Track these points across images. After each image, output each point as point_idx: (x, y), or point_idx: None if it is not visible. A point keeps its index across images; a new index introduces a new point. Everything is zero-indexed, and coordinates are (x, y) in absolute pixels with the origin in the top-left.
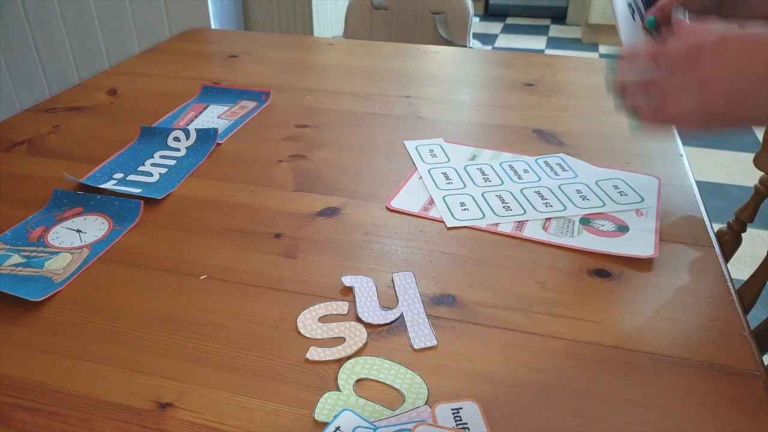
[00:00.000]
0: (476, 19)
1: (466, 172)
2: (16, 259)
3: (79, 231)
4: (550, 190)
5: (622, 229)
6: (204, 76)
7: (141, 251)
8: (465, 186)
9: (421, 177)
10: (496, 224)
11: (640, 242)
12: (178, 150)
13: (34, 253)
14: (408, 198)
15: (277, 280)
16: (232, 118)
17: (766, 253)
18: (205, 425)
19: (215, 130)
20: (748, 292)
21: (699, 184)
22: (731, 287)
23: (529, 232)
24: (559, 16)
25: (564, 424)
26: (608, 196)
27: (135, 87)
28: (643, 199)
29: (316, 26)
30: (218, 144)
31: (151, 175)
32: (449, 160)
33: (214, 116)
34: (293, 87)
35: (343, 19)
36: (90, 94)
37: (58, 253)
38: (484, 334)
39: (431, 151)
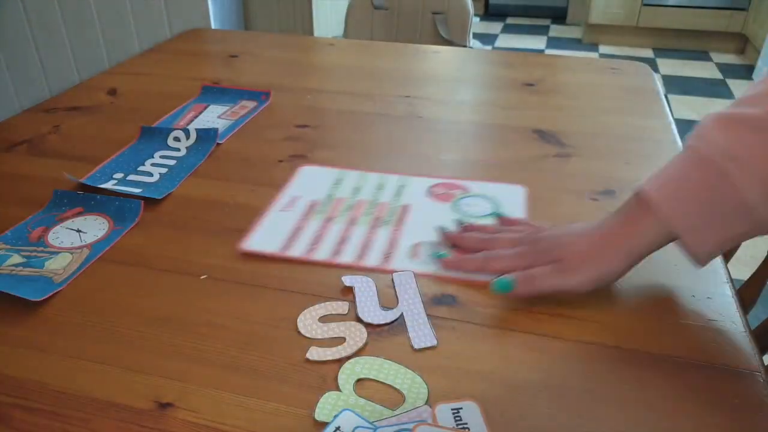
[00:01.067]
0: (476, 19)
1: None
2: (16, 259)
3: (79, 231)
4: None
5: None
6: (204, 76)
7: (141, 251)
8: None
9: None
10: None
11: None
12: (178, 150)
13: (34, 253)
14: (266, 236)
15: (277, 280)
16: (232, 118)
17: (766, 253)
18: (205, 425)
19: (215, 130)
20: (748, 292)
21: None
22: (731, 287)
23: (396, 263)
24: (559, 16)
25: (564, 424)
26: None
27: (135, 87)
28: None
29: (316, 26)
30: (218, 144)
31: (151, 174)
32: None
33: (214, 116)
34: (293, 87)
35: (343, 19)
36: (90, 94)
37: (58, 253)
38: (484, 334)
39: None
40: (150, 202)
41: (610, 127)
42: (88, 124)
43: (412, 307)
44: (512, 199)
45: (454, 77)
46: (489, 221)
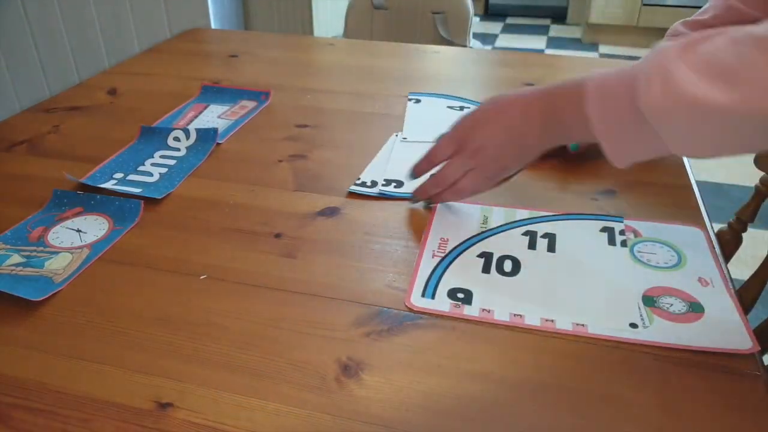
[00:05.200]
0: (476, 19)
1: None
2: (16, 258)
3: (79, 231)
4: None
5: (696, 308)
6: (204, 76)
7: (141, 251)
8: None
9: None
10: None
11: (725, 327)
12: (178, 150)
13: (34, 253)
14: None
15: (277, 280)
16: (232, 118)
17: (766, 253)
18: (205, 425)
19: (215, 130)
20: (748, 292)
21: (699, 184)
22: (731, 287)
23: (593, 328)
24: (559, 16)
25: (564, 424)
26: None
27: (135, 87)
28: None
29: (316, 26)
30: (218, 144)
31: (151, 174)
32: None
33: (214, 116)
34: (293, 87)
35: (343, 19)
36: (90, 94)
37: (58, 252)
38: (484, 334)
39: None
40: (150, 202)
41: None
42: (88, 124)
43: None
44: (694, 242)
45: (454, 77)
46: None
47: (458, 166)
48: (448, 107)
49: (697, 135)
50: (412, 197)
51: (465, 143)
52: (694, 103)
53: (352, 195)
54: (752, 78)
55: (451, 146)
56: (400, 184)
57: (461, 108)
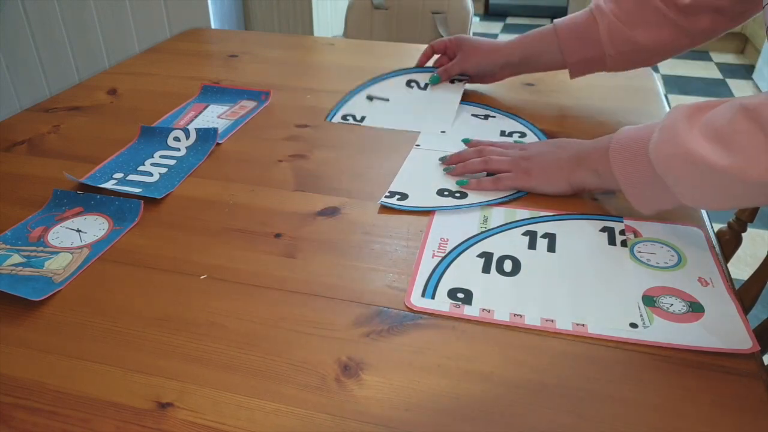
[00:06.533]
0: (476, 19)
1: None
2: (16, 258)
3: (79, 231)
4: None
5: (696, 308)
6: (204, 76)
7: (141, 251)
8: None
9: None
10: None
11: (725, 327)
12: (178, 150)
13: (34, 253)
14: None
15: (277, 280)
16: (232, 118)
17: (766, 253)
18: (205, 425)
19: (215, 130)
20: (748, 292)
21: None
22: (731, 287)
23: (593, 328)
24: (559, 16)
25: (563, 424)
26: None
27: (135, 87)
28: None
29: (316, 26)
30: (218, 144)
31: (151, 174)
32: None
33: (214, 116)
34: (293, 87)
35: (343, 19)
36: (90, 94)
37: (58, 252)
38: (484, 334)
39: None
40: (150, 202)
41: (610, 127)
42: (88, 124)
43: None
44: (694, 242)
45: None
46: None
47: (507, 160)
48: (473, 115)
49: (697, 187)
50: (447, 159)
51: (520, 151)
52: (691, 155)
53: (353, 196)
54: (738, 144)
55: (507, 149)
56: (404, 196)
57: (486, 117)
